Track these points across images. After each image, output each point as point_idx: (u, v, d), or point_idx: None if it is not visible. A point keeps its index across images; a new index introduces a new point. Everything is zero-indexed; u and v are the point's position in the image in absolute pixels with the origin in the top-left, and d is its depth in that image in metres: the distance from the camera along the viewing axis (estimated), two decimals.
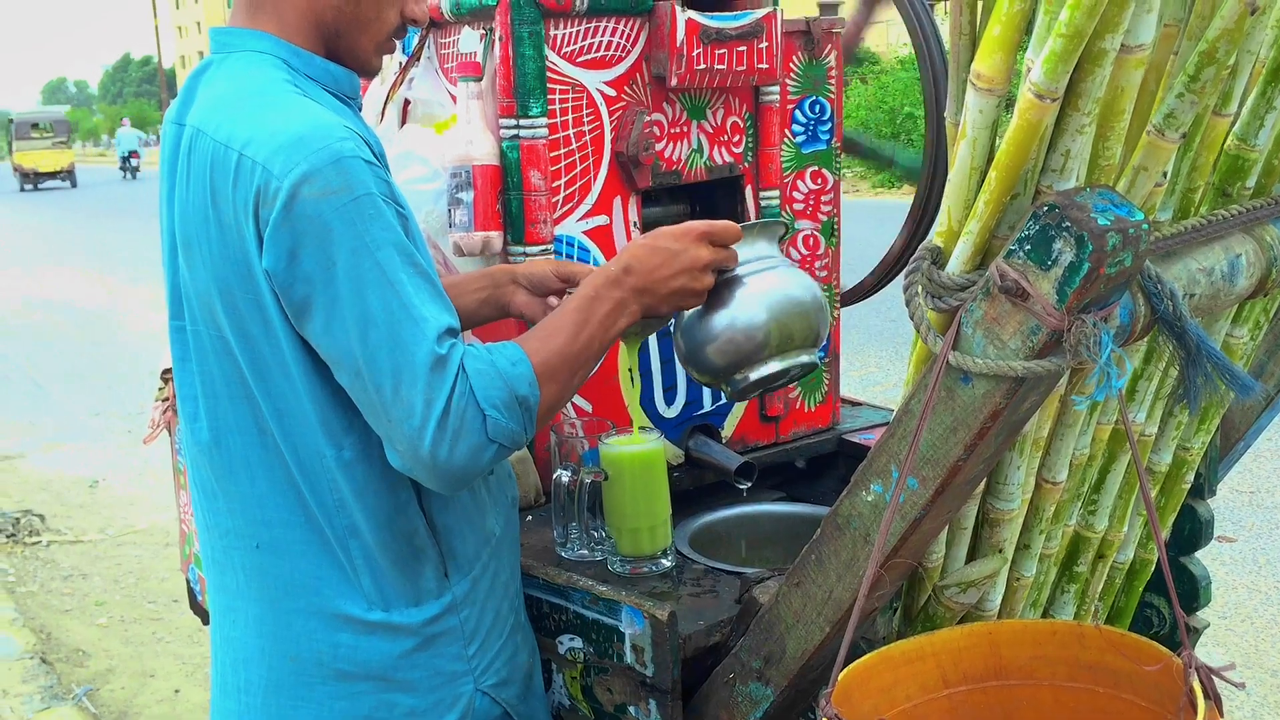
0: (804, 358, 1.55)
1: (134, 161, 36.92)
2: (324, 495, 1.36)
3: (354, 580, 1.39)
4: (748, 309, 1.49)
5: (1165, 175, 1.24)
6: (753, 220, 1.82)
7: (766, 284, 1.50)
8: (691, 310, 1.52)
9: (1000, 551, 1.41)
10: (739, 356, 1.50)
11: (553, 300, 1.63)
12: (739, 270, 1.50)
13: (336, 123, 1.27)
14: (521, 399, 1.30)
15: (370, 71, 1.47)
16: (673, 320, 1.57)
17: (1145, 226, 1.06)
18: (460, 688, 1.45)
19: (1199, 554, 1.96)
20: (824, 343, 1.58)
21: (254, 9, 1.38)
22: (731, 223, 1.48)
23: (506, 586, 1.54)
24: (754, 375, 1.52)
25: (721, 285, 1.50)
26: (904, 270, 1.21)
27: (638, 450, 1.65)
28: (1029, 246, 1.06)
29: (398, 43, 1.52)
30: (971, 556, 1.43)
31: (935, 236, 1.20)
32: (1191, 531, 1.90)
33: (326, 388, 1.31)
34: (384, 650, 1.40)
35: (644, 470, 1.65)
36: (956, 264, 1.16)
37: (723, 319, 1.50)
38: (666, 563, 1.69)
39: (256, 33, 1.37)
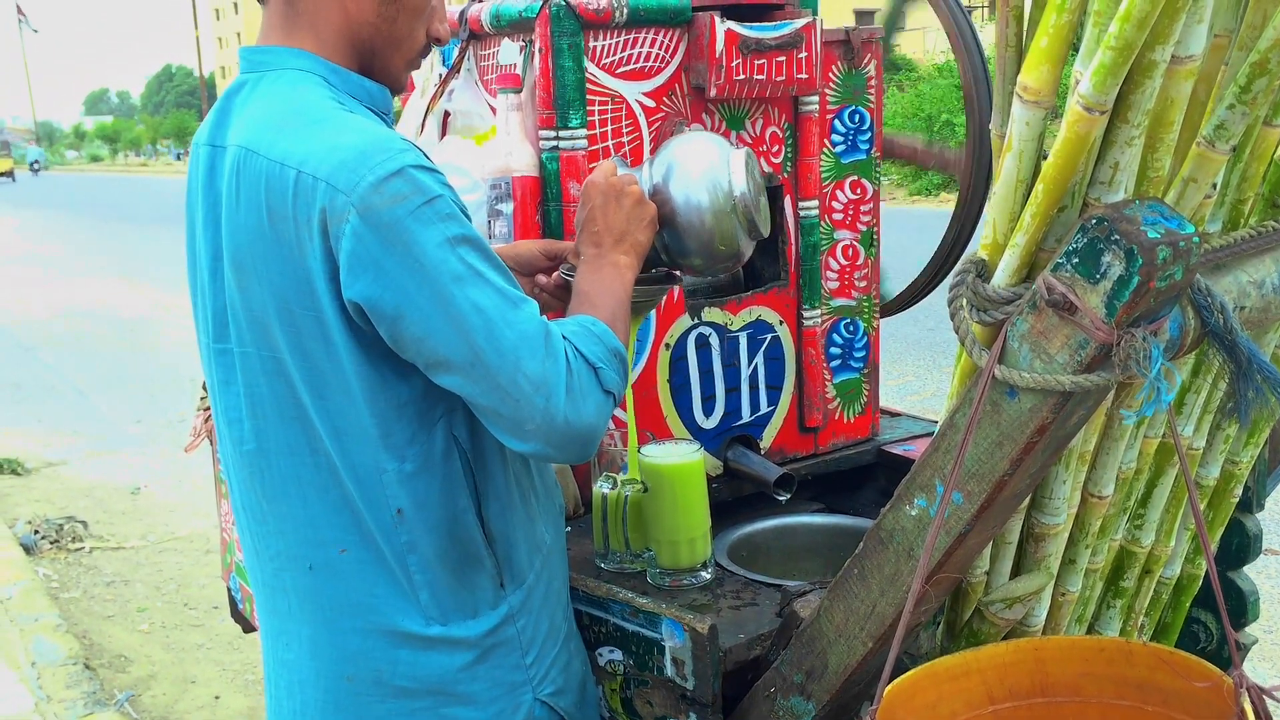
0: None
1: (36, 166, 54.39)
2: (382, 511, 1.35)
3: (411, 596, 1.38)
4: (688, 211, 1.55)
5: (1215, 187, 1.23)
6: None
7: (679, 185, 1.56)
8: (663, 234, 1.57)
9: (1045, 567, 1.39)
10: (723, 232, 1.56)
11: (540, 278, 1.63)
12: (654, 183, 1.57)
13: (394, 135, 1.29)
14: (614, 350, 1.36)
15: (400, 88, 1.47)
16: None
17: (1196, 239, 1.05)
18: (520, 697, 1.45)
19: (1247, 568, 1.93)
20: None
21: (290, 27, 1.37)
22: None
23: (559, 595, 1.54)
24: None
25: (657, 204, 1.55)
26: (945, 283, 1.20)
27: (677, 462, 1.65)
28: (1077, 260, 1.05)
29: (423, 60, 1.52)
30: (1016, 572, 1.41)
31: (980, 248, 1.19)
32: (1240, 546, 1.87)
33: (390, 401, 1.32)
34: (443, 664, 1.40)
35: (683, 482, 1.64)
36: (1002, 277, 1.15)
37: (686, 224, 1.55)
38: (706, 575, 1.68)
39: (295, 50, 1.37)
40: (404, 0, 1.38)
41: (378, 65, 1.41)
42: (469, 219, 1.31)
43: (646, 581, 1.67)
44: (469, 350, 1.25)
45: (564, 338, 1.31)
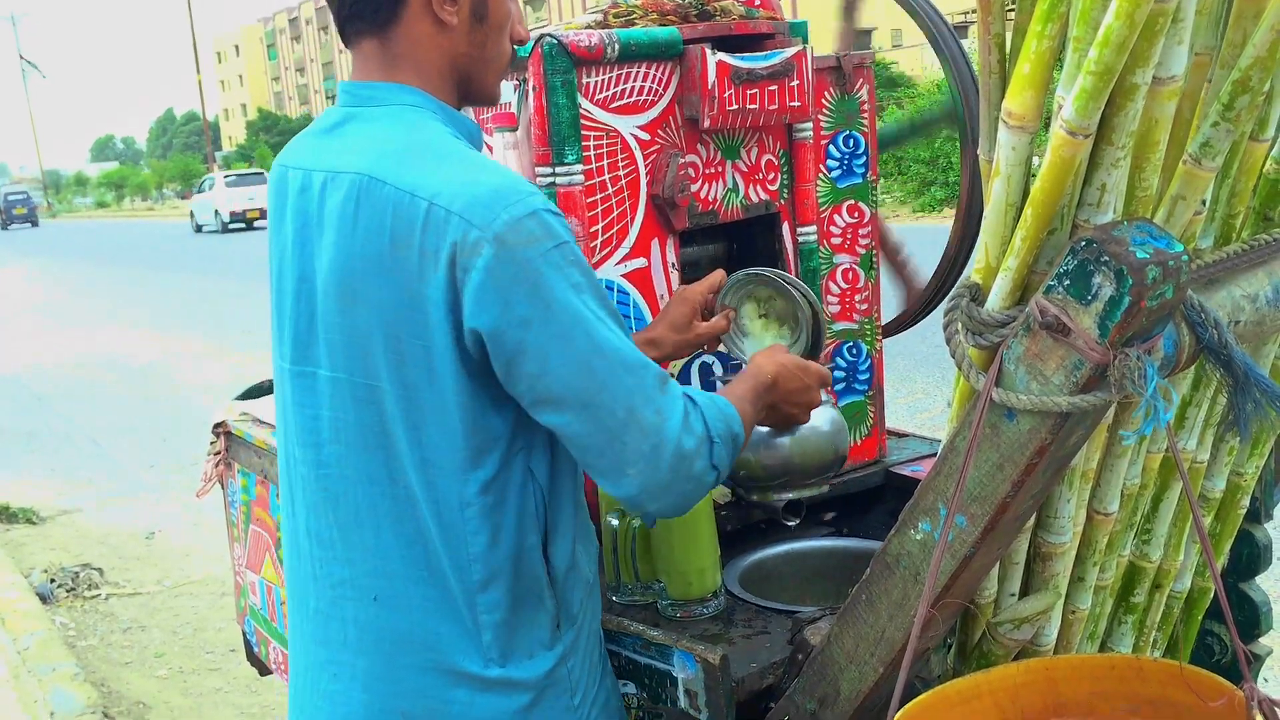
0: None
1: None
2: (460, 546, 1.36)
3: (475, 636, 1.38)
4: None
5: (1204, 203, 1.23)
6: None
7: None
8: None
9: (1054, 586, 1.40)
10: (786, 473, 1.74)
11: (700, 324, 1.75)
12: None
13: (522, 177, 1.34)
14: (734, 436, 1.38)
15: (495, 101, 1.53)
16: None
17: (1185, 258, 1.05)
18: None
19: (1259, 579, 1.92)
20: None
21: (391, 66, 1.41)
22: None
23: (597, 633, 1.54)
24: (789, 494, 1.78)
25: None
26: (943, 305, 1.21)
27: None
28: (1068, 282, 1.06)
29: None
30: (1025, 592, 1.41)
31: (973, 273, 1.20)
32: (1250, 557, 1.87)
33: (485, 433, 1.34)
34: (499, 706, 1.39)
35: (690, 514, 1.65)
36: (996, 300, 1.16)
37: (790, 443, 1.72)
38: (717, 604, 1.68)
39: (403, 86, 1.40)
40: (490, 21, 1.43)
41: (475, 88, 1.46)
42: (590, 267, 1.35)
43: (658, 614, 1.67)
44: (584, 390, 1.28)
45: (691, 400, 1.35)
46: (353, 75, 1.45)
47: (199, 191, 34.93)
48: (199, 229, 33.53)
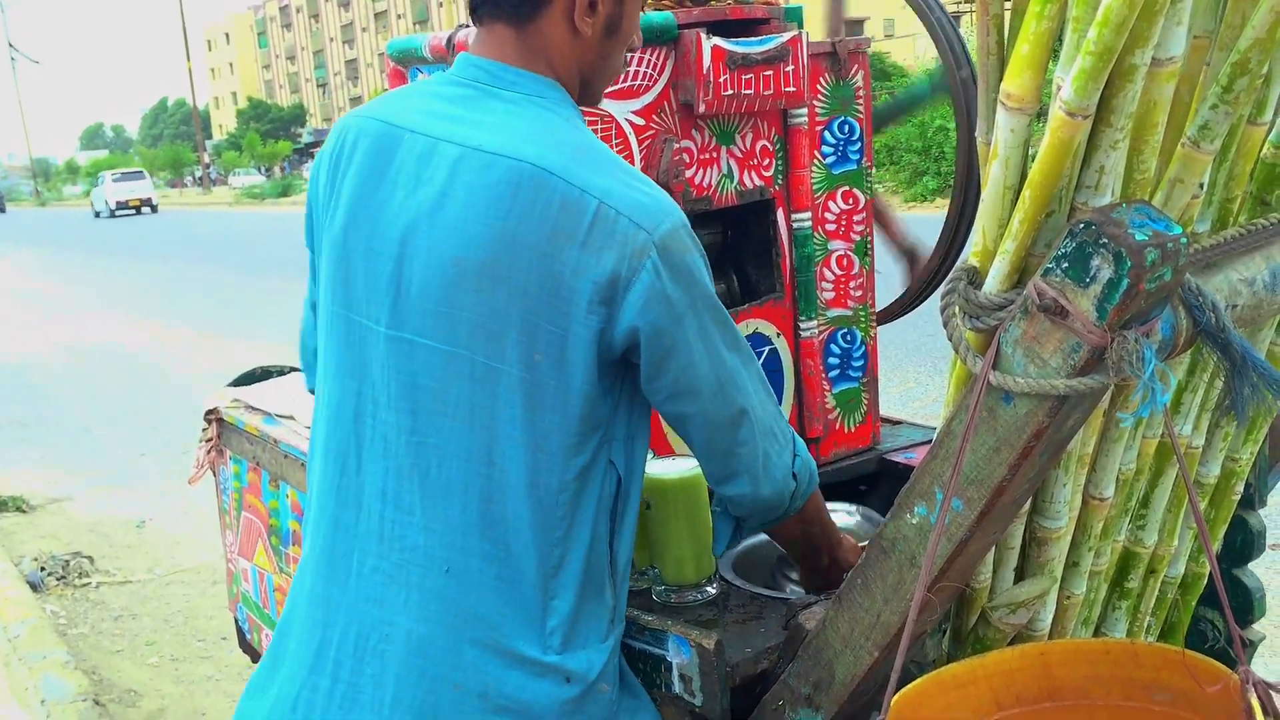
0: None
1: None
2: (548, 530, 1.38)
3: (540, 622, 1.40)
4: None
5: (1202, 186, 1.23)
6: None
7: None
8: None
9: (1049, 571, 1.40)
10: None
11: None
12: None
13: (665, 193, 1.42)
14: (806, 489, 1.53)
15: (598, 104, 1.60)
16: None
17: (1184, 240, 1.05)
18: None
19: (1252, 565, 1.93)
20: None
21: (527, 54, 1.43)
22: None
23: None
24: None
25: None
26: (940, 289, 1.21)
27: (680, 476, 1.65)
28: (1066, 264, 1.06)
29: None
30: (1020, 576, 1.41)
31: (970, 256, 1.20)
32: (1244, 542, 1.87)
33: (592, 419, 1.38)
34: (551, 694, 1.40)
35: (687, 496, 1.65)
36: (993, 283, 1.16)
37: None
38: (711, 590, 1.68)
39: (545, 80, 1.44)
40: (619, 36, 1.47)
41: (589, 92, 1.51)
42: None
43: (652, 599, 1.67)
44: (717, 381, 1.39)
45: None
46: (478, 51, 1.45)
47: (96, 186, 47.16)
48: (97, 215, 43.90)
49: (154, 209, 43.12)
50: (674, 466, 1.67)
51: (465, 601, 1.40)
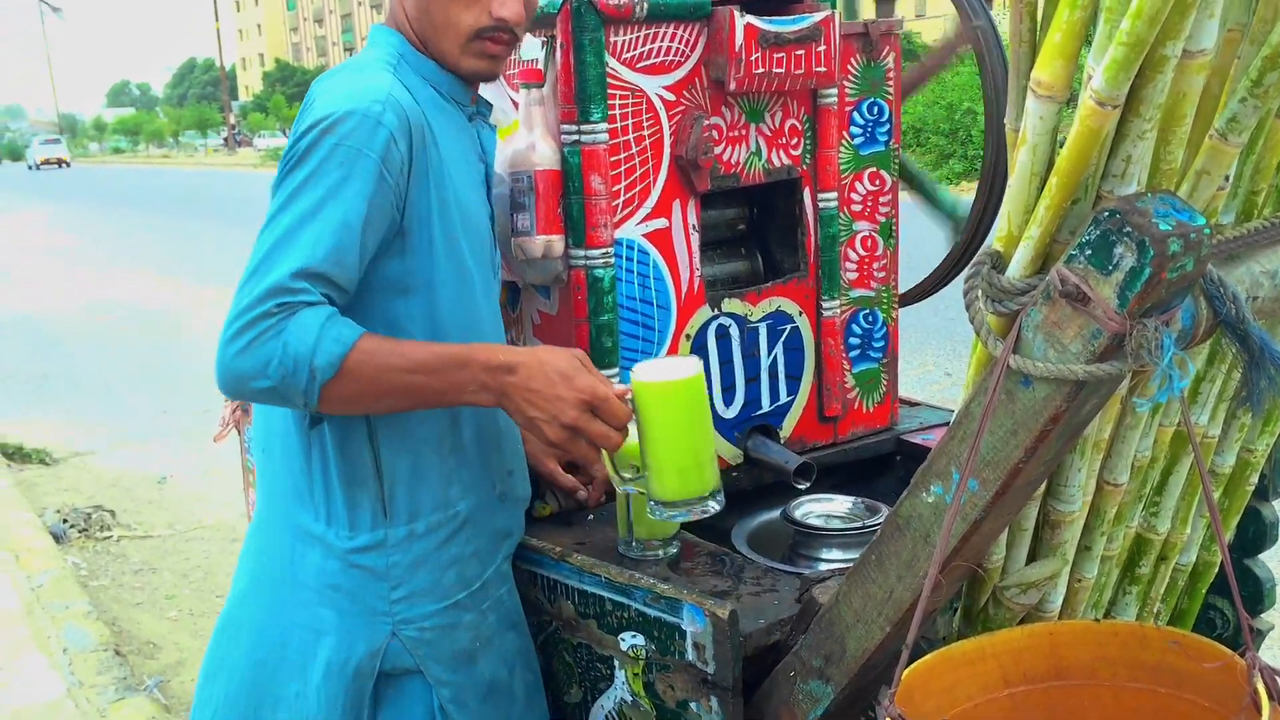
0: None
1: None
2: (301, 419, 1.56)
3: (310, 491, 1.58)
4: None
5: (1227, 179, 1.24)
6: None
7: None
8: None
9: (1061, 553, 1.42)
10: None
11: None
12: None
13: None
14: (312, 369, 1.38)
15: (466, 73, 1.61)
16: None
17: (1207, 231, 1.06)
18: (378, 627, 1.58)
19: (1263, 556, 1.94)
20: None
21: (389, 13, 1.63)
22: (623, 407, 1.49)
23: (461, 566, 1.63)
24: None
25: None
26: (963, 274, 1.22)
27: (681, 378, 1.52)
28: (1090, 251, 1.07)
29: (500, 46, 1.60)
30: (1032, 558, 1.43)
31: (995, 241, 1.21)
32: (1256, 533, 1.89)
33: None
34: (318, 565, 1.58)
35: (690, 399, 1.53)
36: (1017, 268, 1.17)
37: None
38: (716, 505, 1.55)
39: (384, 29, 1.62)
40: None
41: (433, 51, 1.59)
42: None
43: (669, 569, 1.69)
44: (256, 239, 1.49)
45: (295, 309, 1.37)
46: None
47: (28, 148, 65.39)
48: (30, 168, 58.42)
49: (68, 165, 58.67)
50: (671, 369, 1.54)
51: (277, 476, 1.64)
